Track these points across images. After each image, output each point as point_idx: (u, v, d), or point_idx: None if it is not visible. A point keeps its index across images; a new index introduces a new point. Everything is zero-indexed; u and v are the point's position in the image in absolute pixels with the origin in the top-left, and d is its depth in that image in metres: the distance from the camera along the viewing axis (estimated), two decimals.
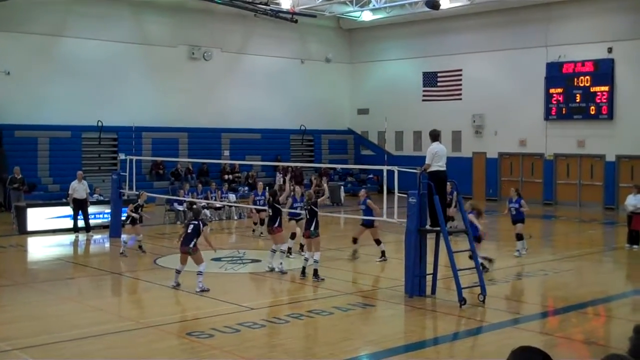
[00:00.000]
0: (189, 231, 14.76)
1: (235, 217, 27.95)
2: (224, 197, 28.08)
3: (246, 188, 33.47)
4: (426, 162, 14.13)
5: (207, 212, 26.98)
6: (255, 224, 23.43)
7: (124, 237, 19.42)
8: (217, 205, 27.10)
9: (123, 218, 20.61)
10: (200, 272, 14.50)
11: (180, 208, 26.03)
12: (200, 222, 14.97)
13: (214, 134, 35.90)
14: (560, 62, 32.71)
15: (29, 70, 30.81)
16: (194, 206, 17.29)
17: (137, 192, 20.94)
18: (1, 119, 29.88)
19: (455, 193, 18.17)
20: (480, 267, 15.64)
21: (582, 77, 32.08)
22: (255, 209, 22.52)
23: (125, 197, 22.98)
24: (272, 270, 16.55)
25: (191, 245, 14.68)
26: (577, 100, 32.22)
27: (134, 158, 23.19)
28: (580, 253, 20.45)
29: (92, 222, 23.87)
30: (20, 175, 26.47)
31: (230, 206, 27.27)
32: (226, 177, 34.16)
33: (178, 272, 14.71)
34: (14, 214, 24.11)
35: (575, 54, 32.30)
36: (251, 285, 15.56)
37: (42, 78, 31.04)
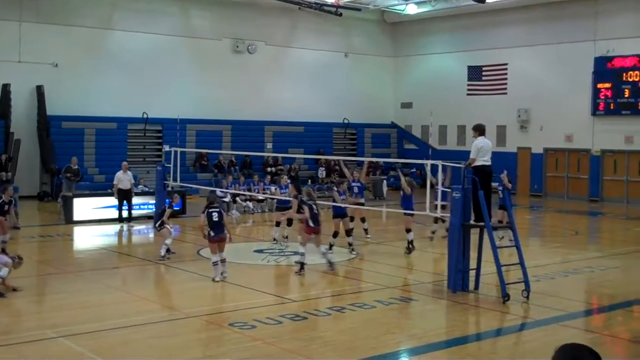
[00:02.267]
0: (215, 219, 14.62)
1: (272, 210, 27.87)
2: (266, 189, 28.14)
3: (289, 181, 33.49)
4: (471, 157, 13.99)
5: (250, 204, 27.15)
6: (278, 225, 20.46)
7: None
8: (260, 198, 27.18)
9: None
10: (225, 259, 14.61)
11: (226, 200, 26.14)
12: (221, 209, 15.05)
13: (257, 126, 36.04)
14: (608, 56, 32.15)
15: (77, 63, 31.26)
16: (210, 193, 17.17)
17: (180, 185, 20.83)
18: (49, 110, 30.35)
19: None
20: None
21: (631, 72, 31.51)
22: (278, 208, 21.33)
23: (170, 189, 23.19)
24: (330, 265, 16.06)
25: (226, 232, 14.71)
26: (626, 96, 31.65)
27: (178, 150, 23.36)
28: (627, 251, 20.11)
29: (136, 212, 24.15)
30: (77, 166, 26.90)
31: (273, 198, 27.28)
32: (269, 169, 34.26)
33: (216, 263, 14.65)
34: (60, 203, 24.48)
35: (624, 48, 31.72)
36: (293, 277, 15.57)
37: (89, 70, 31.47)
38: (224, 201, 26.22)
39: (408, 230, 18.36)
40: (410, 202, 18.28)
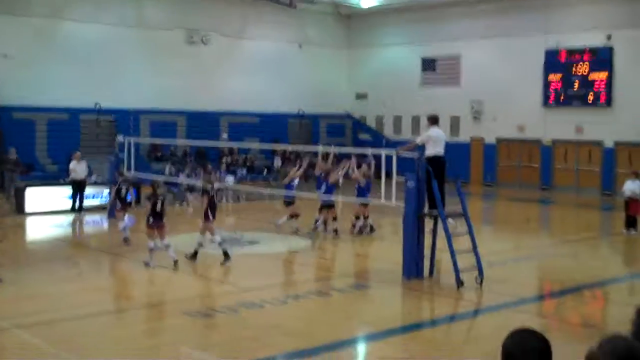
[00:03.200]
0: (157, 209, 15.03)
1: (230, 200, 27.78)
2: (221, 178, 28.05)
3: (244, 171, 33.50)
4: (416, 141, 14.20)
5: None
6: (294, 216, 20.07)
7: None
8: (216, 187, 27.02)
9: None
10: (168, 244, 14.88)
11: (174, 190, 25.96)
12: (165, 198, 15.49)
13: (212, 117, 35.84)
14: (558, 49, 32.66)
15: (28, 53, 30.70)
16: (155, 181, 17.16)
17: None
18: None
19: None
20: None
21: (580, 64, 32.04)
22: (286, 201, 20.26)
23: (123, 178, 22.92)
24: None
25: (164, 221, 15.21)
26: (575, 87, 32.20)
27: (132, 140, 23.16)
28: (577, 238, 20.50)
29: (89, 202, 23.86)
30: (15, 157, 26.35)
31: (228, 189, 27.21)
32: (224, 159, 34.13)
33: (152, 249, 14.89)
34: (8, 194, 24.09)
35: (573, 41, 32.25)
36: (249, 266, 15.57)
37: (40, 60, 30.94)
38: (174, 191, 26.01)
39: (357, 217, 19.03)
40: (365, 192, 18.54)
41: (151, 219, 15.06)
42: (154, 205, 15.09)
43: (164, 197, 15.54)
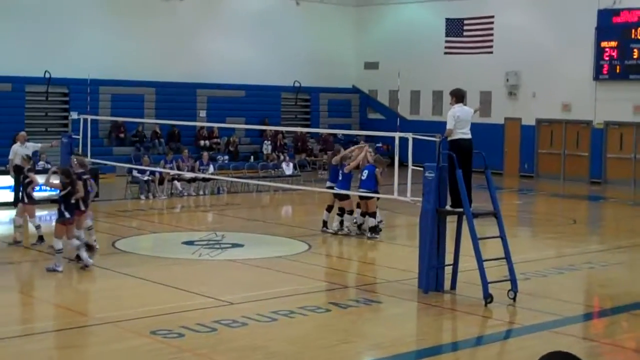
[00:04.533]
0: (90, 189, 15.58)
1: (205, 192, 27.68)
2: (203, 168, 28.00)
3: (226, 157, 33.46)
4: (447, 127, 14.08)
5: (178, 184, 27.00)
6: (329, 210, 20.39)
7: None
8: (188, 177, 27.03)
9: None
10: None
11: (145, 179, 25.97)
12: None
13: (187, 90, 35.80)
14: (615, 8, 32.55)
15: None
16: (77, 156, 17.17)
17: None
18: None
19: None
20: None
21: None
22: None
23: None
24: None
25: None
26: (635, 57, 32.11)
27: (89, 118, 23.12)
28: (634, 243, 20.44)
29: (37, 194, 23.78)
30: None
31: (209, 179, 27.15)
32: (202, 143, 34.10)
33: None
34: None
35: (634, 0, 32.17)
36: (230, 274, 15.56)
37: None
38: (143, 180, 26.02)
39: (372, 214, 18.84)
40: (372, 182, 18.55)
41: (66, 213, 15.03)
42: (69, 194, 15.06)
43: (88, 177, 15.92)
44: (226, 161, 32.90)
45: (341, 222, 19.38)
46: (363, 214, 19.40)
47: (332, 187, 19.60)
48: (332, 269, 16.15)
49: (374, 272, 16.51)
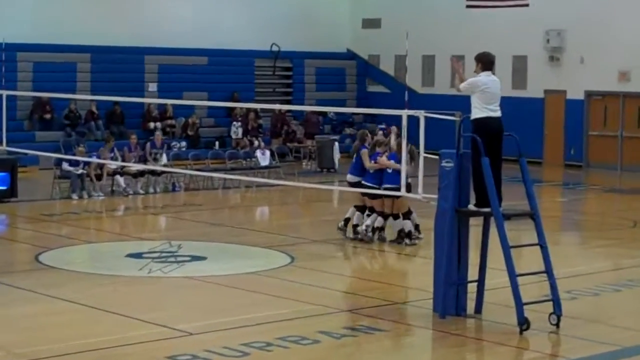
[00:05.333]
0: None
1: (156, 189, 27.61)
2: (155, 152, 27.92)
3: (184, 144, 33.38)
4: (462, 84, 14.06)
5: (121, 180, 26.84)
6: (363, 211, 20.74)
7: None
8: (134, 170, 26.89)
9: None
10: None
11: (79, 172, 25.85)
12: None
13: (133, 57, 35.80)
14: None
15: None
16: None
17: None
18: None
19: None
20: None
21: None
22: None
23: None
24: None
25: None
26: None
27: (4, 93, 23.03)
28: None
29: None
30: None
31: (161, 173, 27.08)
32: (152, 125, 33.96)
33: None
34: None
35: None
36: (189, 296, 15.51)
37: None
38: (76, 174, 25.92)
39: (406, 215, 19.12)
40: (396, 176, 18.36)
41: None
42: None
43: None
44: (184, 149, 32.86)
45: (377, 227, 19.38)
46: (386, 216, 19.40)
47: (358, 183, 19.59)
48: (322, 288, 16.01)
49: (376, 291, 16.42)
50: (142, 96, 34.50)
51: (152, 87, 35.78)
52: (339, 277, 17.42)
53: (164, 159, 28.78)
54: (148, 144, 28.08)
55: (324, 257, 18.81)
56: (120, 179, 26.88)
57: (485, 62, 14.39)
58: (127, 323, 13.52)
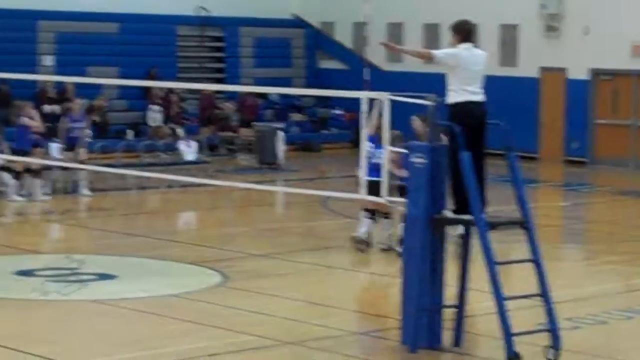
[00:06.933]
0: None
1: (54, 189, 27.56)
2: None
3: (88, 132, 33.34)
4: (440, 52, 14.17)
5: (8, 177, 26.66)
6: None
7: None
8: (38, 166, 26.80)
9: None
10: None
11: None
12: None
13: (23, 22, 35.76)
14: None
15: None
16: None
17: None
18: None
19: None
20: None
21: None
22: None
23: None
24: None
25: None
26: None
27: None
28: None
29: None
30: None
31: (66, 168, 27.01)
32: (48, 108, 33.87)
33: None
34: None
35: None
36: (93, 326, 15.47)
37: None
38: None
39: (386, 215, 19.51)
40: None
41: None
42: None
43: None
44: (88, 139, 32.78)
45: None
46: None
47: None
48: (261, 314, 16.04)
49: (329, 318, 16.46)
50: (35, 72, 34.41)
51: (48, 60, 35.66)
52: (282, 301, 17.38)
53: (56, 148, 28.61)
54: (67, 119, 27.89)
55: (264, 275, 18.79)
56: (5, 177, 26.59)
57: (463, 31, 14.30)
58: (11, 358, 13.47)
